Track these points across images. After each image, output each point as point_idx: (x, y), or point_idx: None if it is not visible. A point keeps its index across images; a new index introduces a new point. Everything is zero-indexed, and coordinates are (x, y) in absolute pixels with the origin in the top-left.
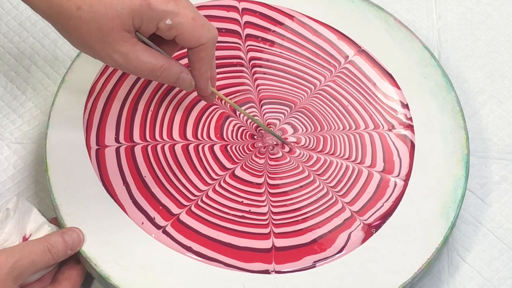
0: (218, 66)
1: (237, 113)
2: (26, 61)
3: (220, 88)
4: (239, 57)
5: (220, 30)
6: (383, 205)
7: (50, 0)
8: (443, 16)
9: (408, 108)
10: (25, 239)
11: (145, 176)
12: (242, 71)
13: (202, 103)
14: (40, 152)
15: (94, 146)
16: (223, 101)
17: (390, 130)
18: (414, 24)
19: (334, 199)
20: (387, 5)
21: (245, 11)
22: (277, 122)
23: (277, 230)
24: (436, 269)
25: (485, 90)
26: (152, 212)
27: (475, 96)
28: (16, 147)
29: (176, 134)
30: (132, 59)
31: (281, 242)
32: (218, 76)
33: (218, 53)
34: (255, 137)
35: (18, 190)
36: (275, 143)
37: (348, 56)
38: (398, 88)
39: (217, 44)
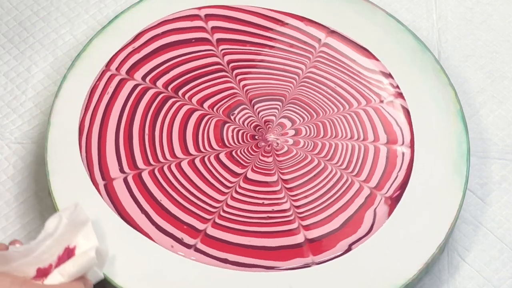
0: (199, 76)
1: (232, 117)
2: (26, 61)
3: (208, 97)
4: (217, 63)
5: (189, 40)
6: (397, 175)
7: None
8: (443, 16)
9: (392, 77)
10: (68, 249)
11: (160, 200)
12: (224, 76)
13: (195, 116)
14: (40, 152)
15: (101, 182)
16: (214, 109)
17: (381, 101)
18: (414, 24)
19: (350, 180)
20: (387, 5)
21: (208, 17)
22: (273, 118)
23: (304, 223)
24: (436, 269)
25: (485, 90)
26: (178, 234)
27: (475, 96)
28: (16, 147)
29: (178, 152)
30: None
31: (312, 234)
32: (202, 86)
33: (195, 63)
34: (256, 137)
35: (18, 190)
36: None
37: (320, 39)
38: (376, 59)
39: (192, 55)
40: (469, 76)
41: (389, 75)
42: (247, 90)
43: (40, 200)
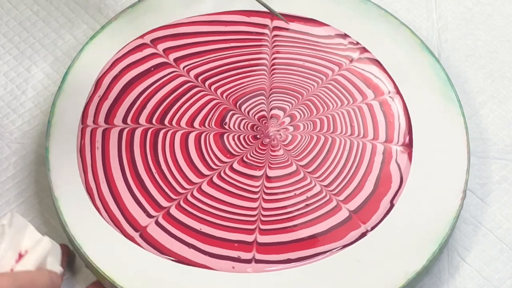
0: (175, 100)
1: (226, 126)
2: (26, 61)
3: (194, 116)
4: (186, 82)
5: (149, 70)
6: (399, 122)
7: None
8: (443, 16)
9: (348, 36)
10: (21, 255)
11: (200, 229)
12: (199, 91)
13: (192, 138)
14: (40, 152)
15: (135, 234)
16: (206, 125)
17: (351, 61)
18: (414, 24)
19: (361, 143)
20: (387, 5)
21: (155, 41)
22: (264, 113)
23: (340, 198)
24: (436, 269)
25: (485, 90)
26: (233, 253)
27: (475, 96)
28: (16, 147)
29: (193, 177)
30: None
31: (352, 205)
32: (183, 108)
33: (165, 89)
34: (258, 136)
35: (18, 190)
36: (278, 130)
37: (268, 25)
38: (326, 25)
39: (158, 83)
40: (469, 76)
41: (345, 35)
42: (227, 96)
43: (40, 200)
